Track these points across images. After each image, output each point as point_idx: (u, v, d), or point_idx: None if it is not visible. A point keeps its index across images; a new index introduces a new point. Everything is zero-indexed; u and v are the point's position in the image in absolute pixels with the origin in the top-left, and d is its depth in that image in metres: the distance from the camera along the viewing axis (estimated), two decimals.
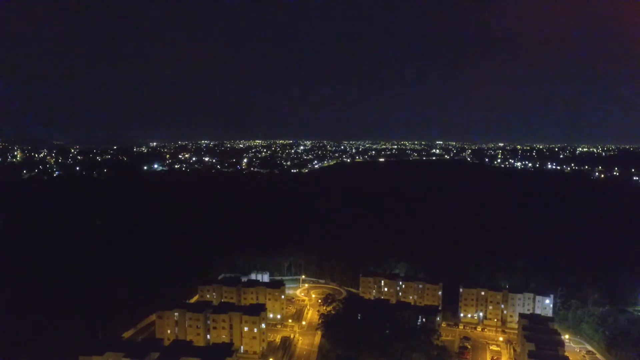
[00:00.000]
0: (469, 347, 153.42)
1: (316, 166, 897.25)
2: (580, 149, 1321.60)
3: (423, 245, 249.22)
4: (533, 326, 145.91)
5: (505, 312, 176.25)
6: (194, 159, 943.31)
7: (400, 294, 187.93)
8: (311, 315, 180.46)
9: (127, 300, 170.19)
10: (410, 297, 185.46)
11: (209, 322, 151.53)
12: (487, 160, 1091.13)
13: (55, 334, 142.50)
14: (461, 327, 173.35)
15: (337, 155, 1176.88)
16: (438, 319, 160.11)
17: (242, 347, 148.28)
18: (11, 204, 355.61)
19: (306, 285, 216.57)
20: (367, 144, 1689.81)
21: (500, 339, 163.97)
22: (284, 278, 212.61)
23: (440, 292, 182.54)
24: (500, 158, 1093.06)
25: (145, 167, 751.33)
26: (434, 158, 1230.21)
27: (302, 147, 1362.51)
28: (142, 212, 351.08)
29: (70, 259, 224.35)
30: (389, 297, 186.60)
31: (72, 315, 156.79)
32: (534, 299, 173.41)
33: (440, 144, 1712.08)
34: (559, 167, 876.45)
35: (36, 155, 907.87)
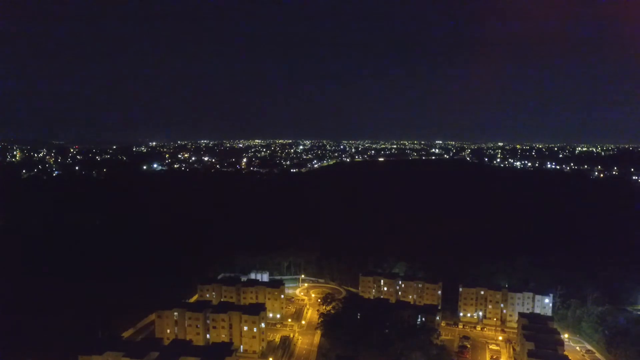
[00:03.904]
0: (469, 346, 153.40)
1: (315, 166, 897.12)
2: (579, 149, 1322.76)
3: (422, 244, 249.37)
4: (532, 325, 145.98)
5: (504, 311, 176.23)
6: (193, 158, 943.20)
7: (399, 293, 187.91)
8: (311, 314, 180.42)
9: (126, 300, 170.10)
10: (410, 297, 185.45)
11: (208, 321, 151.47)
12: (486, 159, 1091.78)
13: (55, 333, 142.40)
14: (461, 326, 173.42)
15: (336, 154, 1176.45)
16: (437, 318, 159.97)
17: (241, 346, 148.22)
18: (10, 203, 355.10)
19: (306, 284, 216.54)
20: (367, 143, 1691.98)
21: (500, 338, 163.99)
22: (283, 277, 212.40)
23: (439, 292, 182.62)
24: (500, 158, 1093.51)
25: (144, 167, 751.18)
26: (433, 158, 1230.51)
27: (301, 147, 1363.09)
28: (141, 211, 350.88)
29: (69, 258, 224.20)
30: (389, 296, 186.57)
31: (72, 314, 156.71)
32: (533, 298, 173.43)
33: (439, 143, 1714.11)
34: (558, 167, 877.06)
35: (35, 155, 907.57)
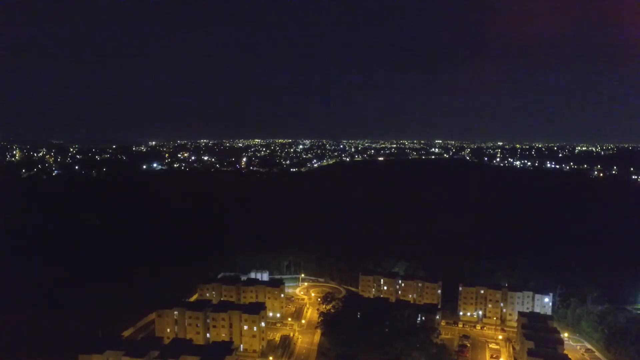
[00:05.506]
0: (469, 345, 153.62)
1: (315, 165, 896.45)
2: (579, 148, 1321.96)
3: (422, 243, 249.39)
4: (532, 324, 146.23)
5: (504, 310, 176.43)
6: (193, 158, 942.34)
7: (399, 292, 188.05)
8: (311, 313, 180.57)
9: (126, 299, 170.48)
10: (410, 296, 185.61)
11: (208, 320, 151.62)
12: (486, 159, 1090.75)
13: (55, 332, 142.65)
14: (460, 325, 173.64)
15: (336, 154, 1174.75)
16: (437, 317, 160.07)
17: (241, 345, 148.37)
18: (10, 203, 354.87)
19: (305, 284, 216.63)
20: (367, 142, 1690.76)
21: (500, 337, 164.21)
22: (283, 277, 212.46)
23: (439, 291, 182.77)
24: (500, 157, 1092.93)
25: (144, 166, 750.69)
26: (433, 157, 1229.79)
27: (301, 146, 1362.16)
28: (141, 211, 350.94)
29: (69, 258, 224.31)
30: (389, 295, 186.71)
31: (72, 314, 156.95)
32: (533, 298, 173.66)
33: (439, 142, 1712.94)
34: (558, 166, 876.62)
35: (35, 155, 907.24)
